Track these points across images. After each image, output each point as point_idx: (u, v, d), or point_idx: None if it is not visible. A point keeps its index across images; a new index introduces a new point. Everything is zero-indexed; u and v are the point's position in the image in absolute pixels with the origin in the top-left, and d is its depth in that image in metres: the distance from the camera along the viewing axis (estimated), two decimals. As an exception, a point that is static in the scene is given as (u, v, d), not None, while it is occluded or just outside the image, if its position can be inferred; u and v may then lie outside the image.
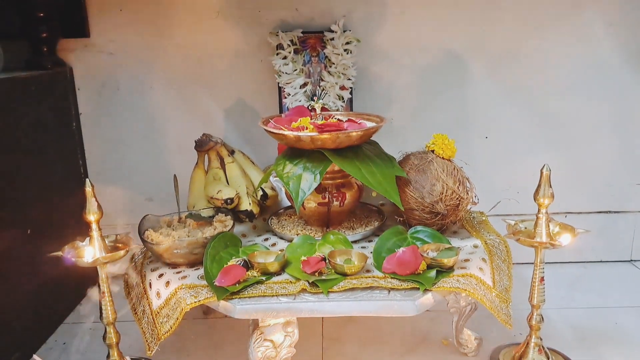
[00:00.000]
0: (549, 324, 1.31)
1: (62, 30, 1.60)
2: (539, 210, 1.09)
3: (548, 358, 1.20)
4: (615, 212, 1.74)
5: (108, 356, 1.19)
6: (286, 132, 1.17)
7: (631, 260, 1.77)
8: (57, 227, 1.49)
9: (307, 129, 1.18)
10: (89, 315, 1.57)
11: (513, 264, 1.20)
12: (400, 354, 1.34)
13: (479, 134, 1.70)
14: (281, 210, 1.41)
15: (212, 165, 1.44)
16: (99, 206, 1.09)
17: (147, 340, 1.09)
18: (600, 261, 1.77)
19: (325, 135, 1.14)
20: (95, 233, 1.09)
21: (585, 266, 1.75)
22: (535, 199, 1.09)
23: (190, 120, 1.69)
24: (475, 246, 1.19)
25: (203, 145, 1.44)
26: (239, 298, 1.02)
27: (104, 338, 1.16)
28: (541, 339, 1.20)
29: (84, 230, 1.10)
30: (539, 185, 1.08)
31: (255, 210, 1.32)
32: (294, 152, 1.23)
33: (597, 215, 1.74)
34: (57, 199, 1.54)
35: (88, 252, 1.07)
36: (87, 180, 1.08)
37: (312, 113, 1.32)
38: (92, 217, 1.08)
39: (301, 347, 1.10)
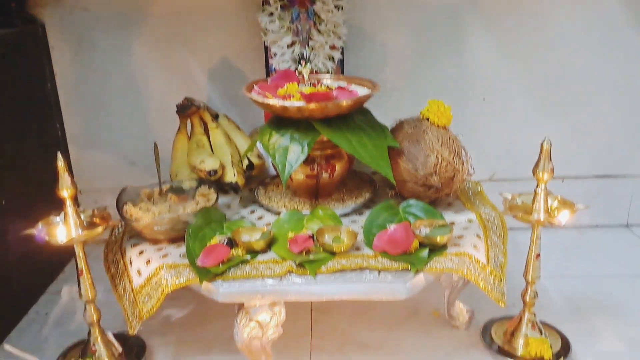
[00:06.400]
0: (542, 295, 1.27)
1: (32, -16, 1.49)
2: (537, 185, 1.04)
3: (541, 333, 1.17)
4: (613, 176, 1.69)
5: (89, 334, 1.15)
6: (272, 102, 1.10)
7: (627, 225, 1.74)
8: (33, 195, 1.43)
9: (293, 97, 1.11)
10: (72, 283, 1.53)
11: (509, 229, 1.15)
12: (390, 325, 1.30)
13: (476, 96, 1.63)
14: (268, 180, 1.35)
15: (195, 131, 1.37)
16: (73, 181, 1.02)
17: (129, 319, 1.05)
18: (596, 226, 1.73)
19: (313, 105, 1.07)
20: (69, 209, 1.03)
21: (580, 231, 1.71)
22: (534, 173, 1.03)
23: (172, 81, 1.60)
24: (470, 220, 1.14)
25: (185, 109, 1.36)
26: (223, 280, 0.97)
27: (84, 316, 1.13)
28: (535, 315, 1.17)
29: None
30: (539, 160, 1.02)
31: (241, 182, 1.26)
32: (281, 120, 1.16)
33: (595, 180, 1.69)
34: (33, 165, 1.47)
35: (61, 230, 1.01)
36: (58, 153, 1.01)
37: (300, 77, 1.24)
38: (65, 192, 1.02)
39: (290, 318, 1.06)
